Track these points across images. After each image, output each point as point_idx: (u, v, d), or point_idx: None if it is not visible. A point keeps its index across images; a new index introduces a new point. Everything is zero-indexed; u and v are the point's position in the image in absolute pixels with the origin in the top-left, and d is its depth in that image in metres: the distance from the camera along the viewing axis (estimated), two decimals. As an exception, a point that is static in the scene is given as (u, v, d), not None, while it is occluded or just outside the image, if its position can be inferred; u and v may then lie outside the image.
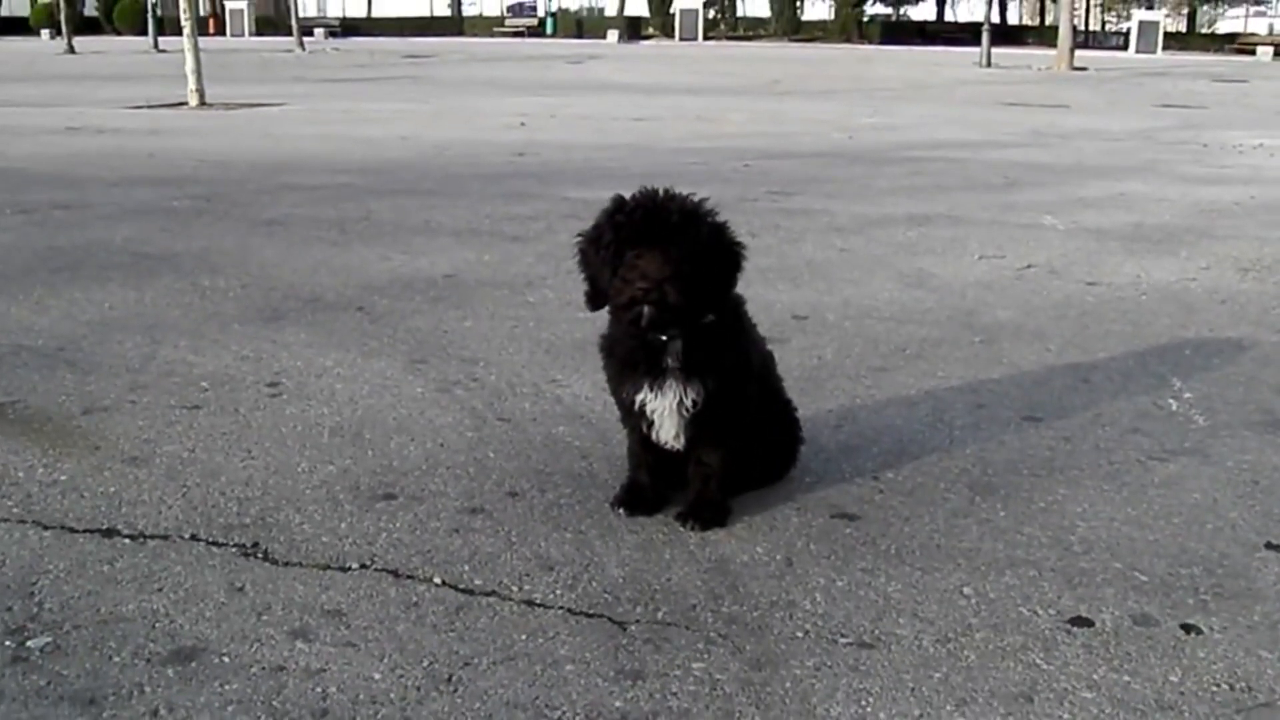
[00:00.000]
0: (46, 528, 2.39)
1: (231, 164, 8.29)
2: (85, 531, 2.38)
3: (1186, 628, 2.10)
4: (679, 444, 2.42)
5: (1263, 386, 3.57)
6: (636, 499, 2.51)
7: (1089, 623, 2.12)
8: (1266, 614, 2.15)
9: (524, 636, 2.02)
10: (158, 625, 2.02)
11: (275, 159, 8.73)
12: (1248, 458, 2.97)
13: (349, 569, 2.26)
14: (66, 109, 12.99)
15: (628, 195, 2.30)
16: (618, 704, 1.83)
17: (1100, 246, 5.73)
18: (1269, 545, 2.46)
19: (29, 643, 1.96)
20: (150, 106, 13.56)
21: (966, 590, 2.22)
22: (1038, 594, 2.21)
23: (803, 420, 2.79)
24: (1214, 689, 1.91)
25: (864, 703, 1.84)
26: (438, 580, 2.22)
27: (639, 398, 2.36)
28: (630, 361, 2.36)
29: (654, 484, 2.51)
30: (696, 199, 2.30)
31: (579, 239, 2.36)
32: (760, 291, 4.46)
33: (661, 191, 2.30)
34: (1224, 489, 2.76)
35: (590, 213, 2.39)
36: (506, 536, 2.41)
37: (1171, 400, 3.44)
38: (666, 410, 2.35)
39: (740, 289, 2.40)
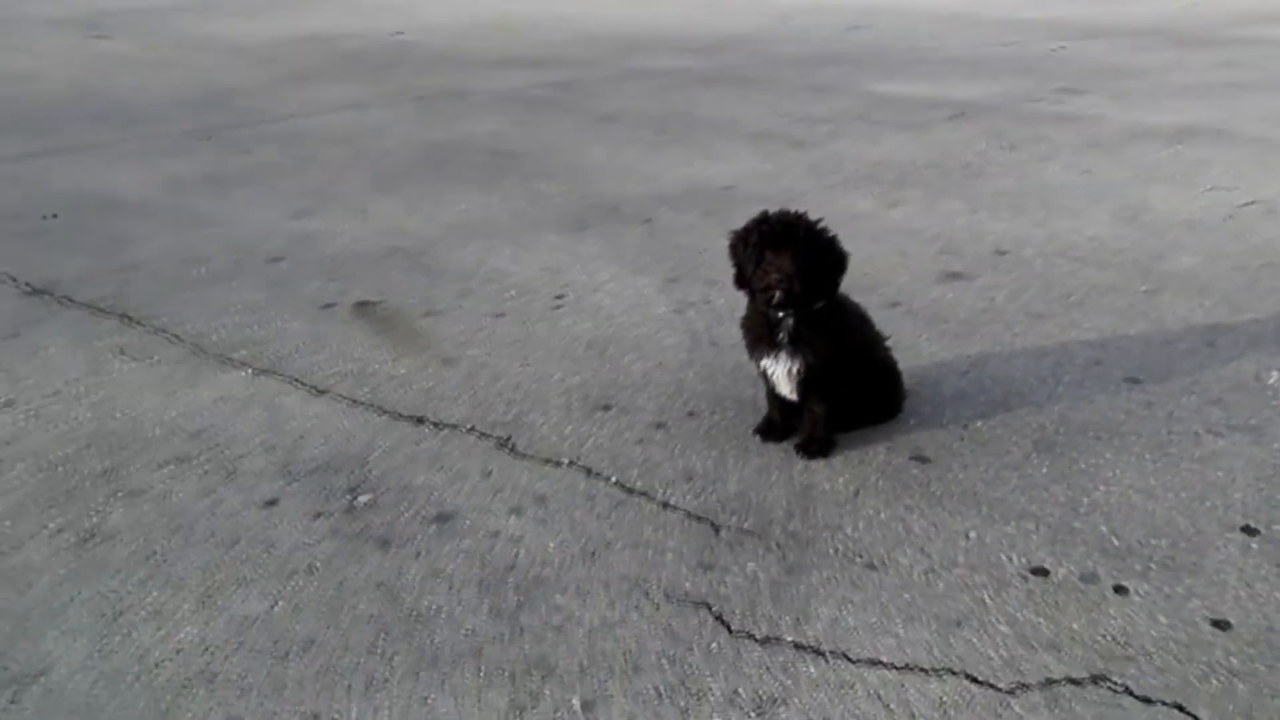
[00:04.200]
0: (383, 412, 3.49)
1: (596, 39, 9.21)
2: (406, 418, 3.45)
3: (1118, 588, 2.67)
4: (793, 396, 3.21)
5: None
6: (769, 430, 3.32)
7: (1045, 573, 2.74)
8: (1190, 586, 2.69)
9: (651, 529, 2.91)
10: (433, 495, 3.06)
11: (634, 33, 9.56)
12: None
13: (560, 464, 3.21)
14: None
15: (771, 211, 3.01)
16: (686, 585, 2.69)
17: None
18: (1244, 529, 2.86)
19: (359, 499, 3.06)
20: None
21: (971, 534, 2.90)
22: (1023, 544, 2.85)
23: (936, 365, 3.48)
24: (1098, 639, 2.49)
25: (844, 609, 2.61)
26: (612, 479, 3.13)
27: (763, 363, 3.15)
28: (758, 335, 3.14)
29: (784, 420, 3.32)
30: (816, 219, 3.00)
31: (731, 235, 3.08)
32: (982, 220, 4.95)
33: (793, 211, 3.00)
34: (1250, 470, 3.10)
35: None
36: (672, 449, 3.29)
37: (1276, 374, 3.76)
38: (781, 373, 3.14)
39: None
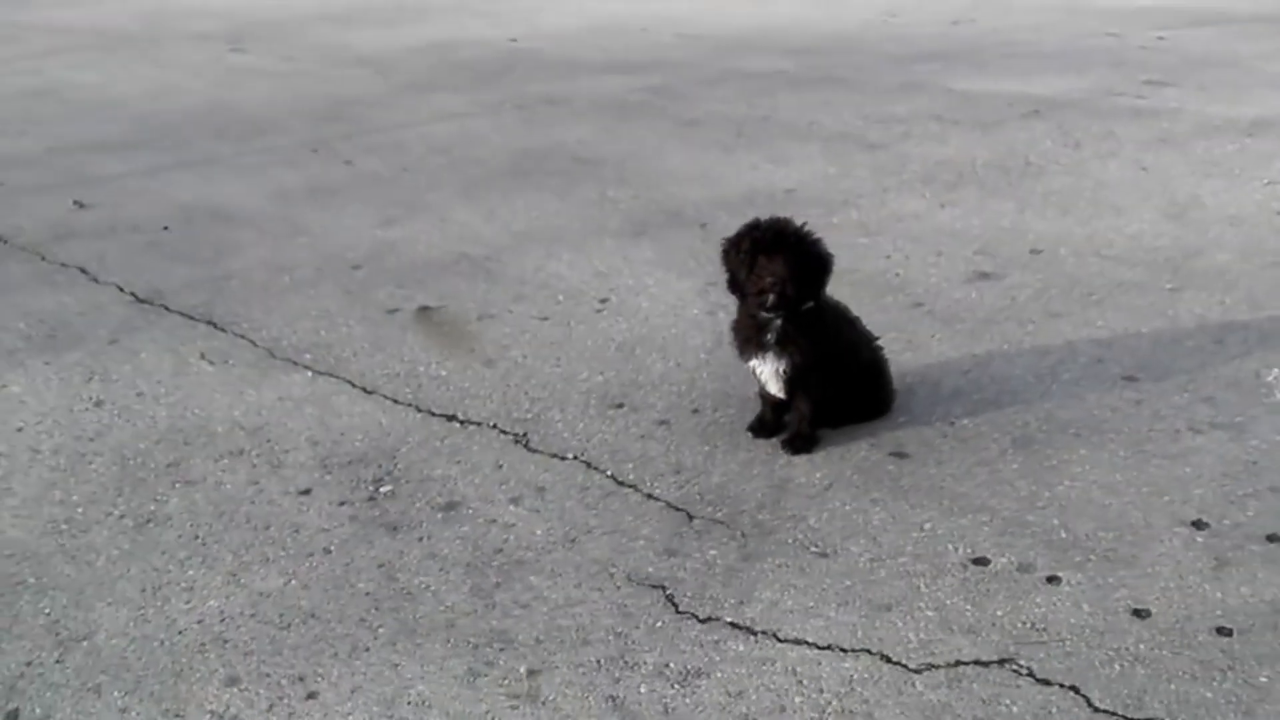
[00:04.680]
0: (420, 410, 3.85)
1: (701, 40, 9.47)
2: (439, 415, 3.81)
3: (1051, 578, 2.83)
4: (781, 395, 3.45)
5: None
6: (760, 427, 3.57)
7: (985, 562, 2.93)
8: (1122, 577, 2.85)
9: (631, 518, 3.20)
10: (446, 486, 3.38)
11: (738, 34, 9.79)
12: (1276, 438, 3.40)
13: (565, 458, 3.52)
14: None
15: (762, 219, 3.27)
16: (649, 569, 2.95)
17: None
18: (1194, 523, 3.00)
19: (381, 488, 3.44)
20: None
21: (926, 525, 3.09)
22: (972, 535, 3.03)
23: (941, 363, 3.71)
24: (1016, 625, 2.66)
25: (785, 593, 2.83)
26: (608, 473, 3.42)
27: (752, 363, 3.41)
28: (747, 336, 3.38)
29: (774, 417, 3.56)
30: (802, 224, 3.24)
31: (724, 242, 3.32)
32: (1027, 220, 5.06)
33: (782, 218, 3.26)
34: (1219, 466, 3.20)
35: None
36: (669, 444, 3.57)
37: (1276, 371, 3.82)
38: (769, 372, 3.38)
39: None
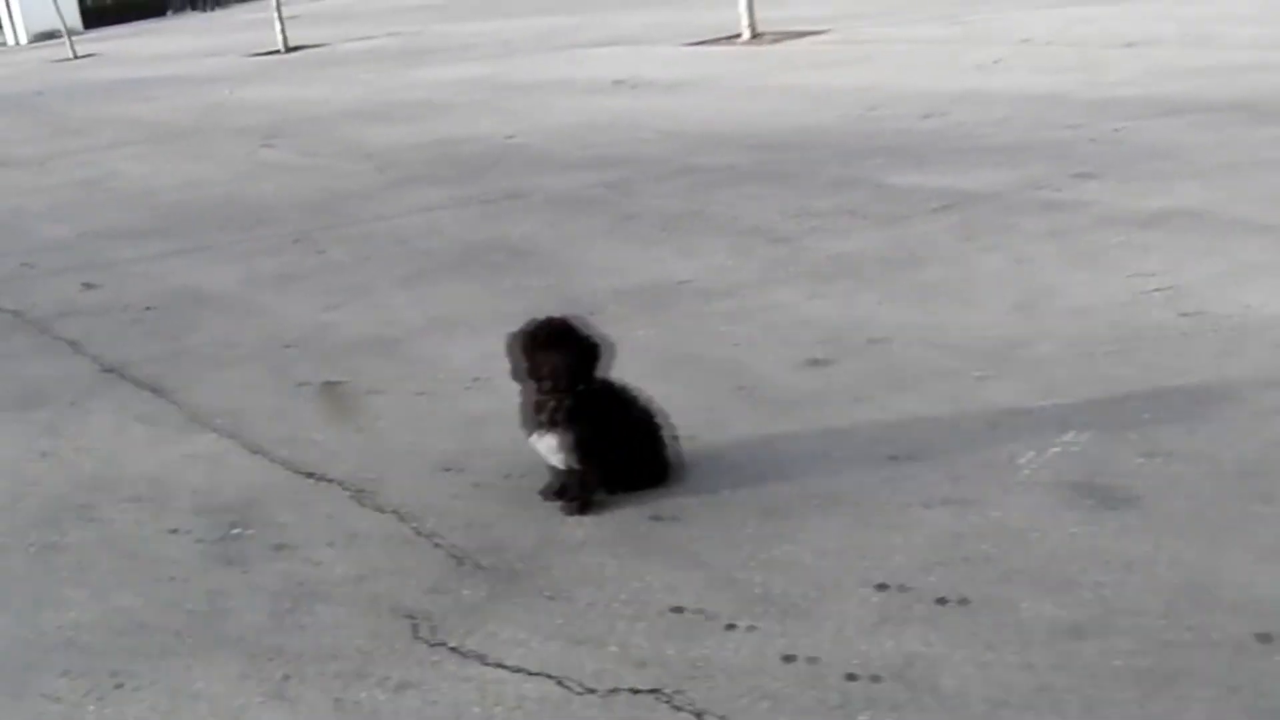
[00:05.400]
0: (288, 468, 4.49)
1: (679, 137, 10.19)
2: (301, 473, 4.46)
3: (730, 625, 3.42)
4: (561, 465, 4.09)
5: (1122, 454, 4.21)
6: (549, 491, 4.21)
7: (680, 610, 3.52)
8: (788, 627, 3.36)
9: (414, 562, 3.82)
10: (284, 530, 4.09)
11: (719, 129, 10.46)
12: (994, 514, 3.79)
13: (385, 512, 4.15)
14: (621, 50, 15.42)
15: (539, 318, 3.89)
16: (409, 603, 3.59)
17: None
18: (878, 585, 3.43)
19: (234, 530, 4.10)
20: (701, 42, 15.64)
21: (648, 577, 3.60)
22: (682, 588, 3.52)
23: (734, 442, 4.31)
24: (681, 662, 3.25)
25: (508, 626, 3.41)
26: (414, 525, 4.04)
27: (532, 439, 4.06)
28: (528, 417, 4.02)
29: (560, 483, 4.16)
30: (575, 321, 3.89)
31: (509, 336, 3.82)
32: (883, 310, 5.59)
33: (558, 317, 3.90)
34: (927, 537, 3.62)
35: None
36: (472, 502, 4.16)
37: (1031, 455, 4.18)
38: (547, 447, 4.04)
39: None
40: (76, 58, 22.25)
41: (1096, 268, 6.02)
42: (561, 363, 3.80)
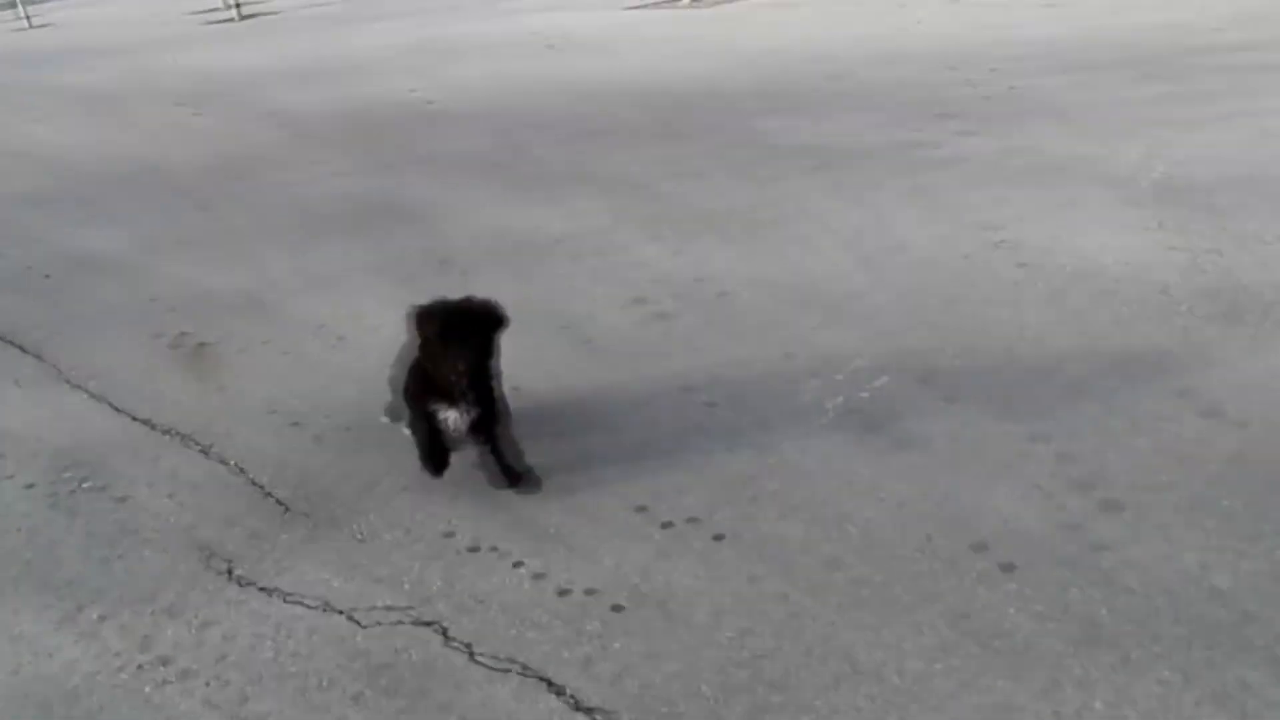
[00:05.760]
0: (148, 425, 4.72)
1: (596, 97, 10.32)
2: (159, 429, 4.68)
3: (494, 550, 3.70)
4: (462, 436, 3.81)
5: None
6: (438, 459, 3.94)
7: (476, 550, 3.79)
8: (541, 548, 3.67)
9: (244, 508, 4.03)
10: (119, 477, 4.33)
11: (627, 88, 10.63)
12: (790, 456, 4.13)
13: (226, 463, 4.40)
14: (564, 14, 15.51)
15: (450, 301, 3.68)
16: (231, 546, 3.81)
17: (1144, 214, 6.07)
18: (638, 508, 3.83)
19: (84, 483, 4.30)
20: (644, 6, 15.72)
21: (454, 521, 3.87)
22: (479, 528, 3.83)
23: (567, 391, 4.62)
24: (445, 586, 3.56)
25: (315, 565, 3.69)
26: (250, 476, 4.27)
27: (435, 410, 3.75)
28: (432, 390, 3.71)
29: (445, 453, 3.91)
30: (481, 299, 3.71)
31: (415, 311, 3.66)
32: (737, 264, 5.80)
33: (467, 300, 3.70)
34: (708, 470, 3.97)
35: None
36: (309, 455, 4.39)
37: (840, 400, 4.44)
38: (455, 422, 3.78)
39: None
40: (32, 27, 22.16)
41: (951, 222, 6.26)
42: (480, 349, 3.64)
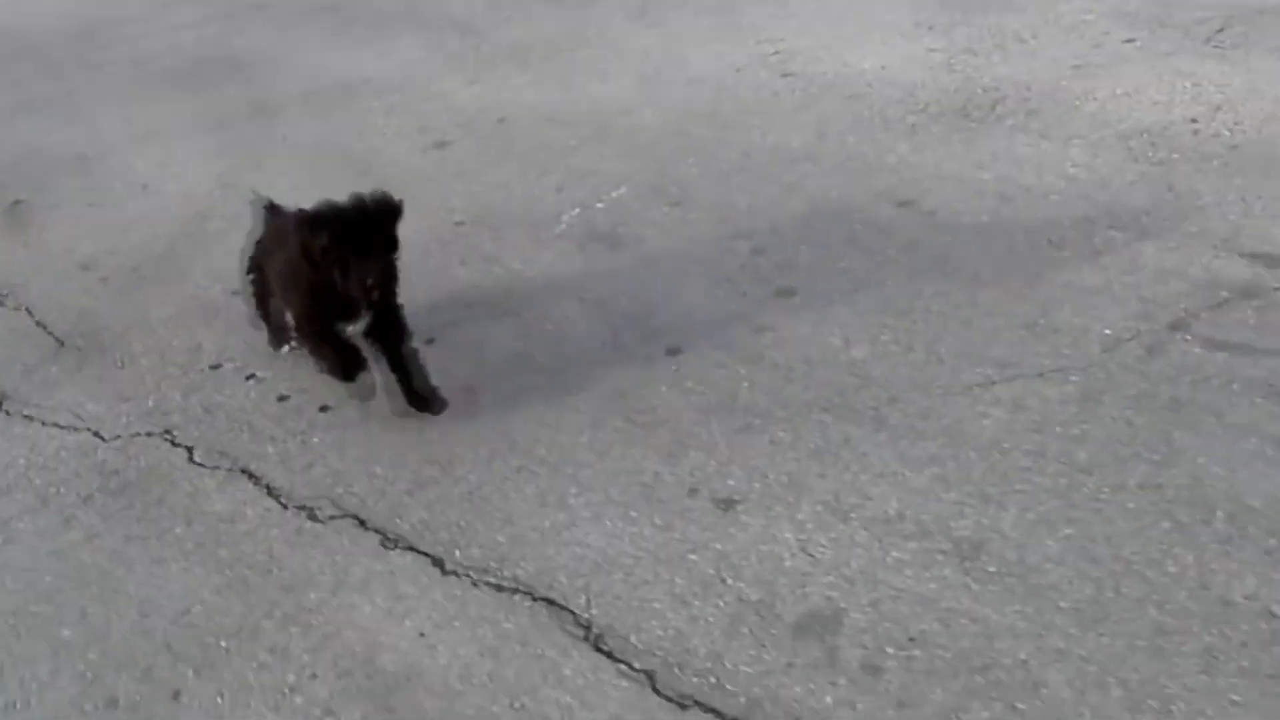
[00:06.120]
0: None
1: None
2: None
3: (249, 377, 4.19)
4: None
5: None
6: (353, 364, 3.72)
7: (254, 378, 4.28)
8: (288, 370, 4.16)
9: (24, 348, 4.53)
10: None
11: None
12: (515, 267, 4.61)
13: (19, 310, 4.89)
14: None
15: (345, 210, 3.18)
16: (4, 382, 4.35)
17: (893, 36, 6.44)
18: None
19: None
20: None
21: (182, 346, 4.42)
22: (243, 356, 4.36)
23: None
24: (193, 406, 4.06)
25: (70, 394, 4.19)
26: (47, 327, 4.75)
27: (342, 326, 3.49)
28: (335, 306, 3.40)
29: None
30: (372, 194, 3.18)
31: (306, 221, 3.20)
32: (526, 93, 6.11)
33: (367, 200, 3.18)
34: (428, 299, 4.50)
35: None
36: (93, 295, 4.89)
37: (576, 212, 4.94)
38: (360, 329, 3.55)
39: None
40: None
41: (735, 39, 6.55)
42: (387, 252, 3.24)
